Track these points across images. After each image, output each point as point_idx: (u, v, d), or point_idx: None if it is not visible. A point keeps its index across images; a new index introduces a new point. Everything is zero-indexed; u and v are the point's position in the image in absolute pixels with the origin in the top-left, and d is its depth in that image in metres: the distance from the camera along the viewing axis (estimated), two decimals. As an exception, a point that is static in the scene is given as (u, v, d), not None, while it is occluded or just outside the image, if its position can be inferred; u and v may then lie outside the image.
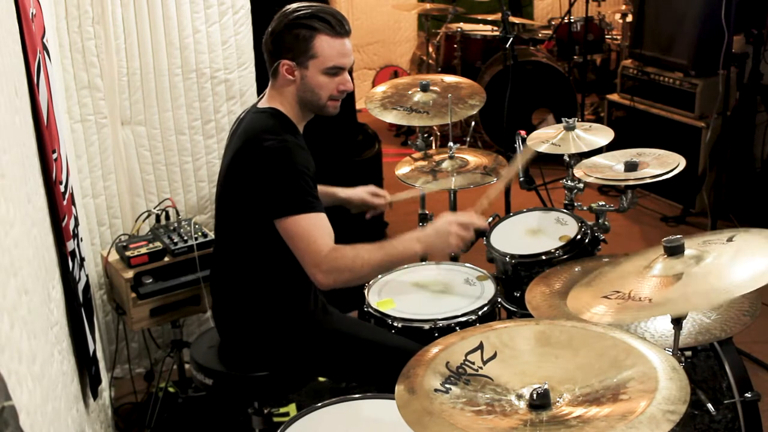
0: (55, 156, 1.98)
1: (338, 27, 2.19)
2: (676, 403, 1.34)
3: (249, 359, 2.33)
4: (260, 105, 2.30)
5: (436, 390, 1.44)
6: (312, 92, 2.22)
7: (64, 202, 2.06)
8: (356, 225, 2.76)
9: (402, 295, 2.59)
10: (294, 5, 2.23)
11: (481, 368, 1.50)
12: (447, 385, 1.45)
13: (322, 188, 2.51)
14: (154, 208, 3.01)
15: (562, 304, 2.20)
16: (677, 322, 1.76)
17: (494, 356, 1.53)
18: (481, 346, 1.55)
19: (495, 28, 6.10)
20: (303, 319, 2.33)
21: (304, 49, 2.18)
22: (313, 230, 2.10)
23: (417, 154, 3.15)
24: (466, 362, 1.52)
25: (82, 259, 2.36)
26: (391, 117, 3.09)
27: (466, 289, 2.61)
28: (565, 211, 2.90)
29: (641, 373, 1.43)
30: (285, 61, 2.20)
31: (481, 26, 6.22)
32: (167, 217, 2.98)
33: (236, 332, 2.36)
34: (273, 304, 2.30)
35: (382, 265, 2.20)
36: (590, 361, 1.50)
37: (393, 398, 1.49)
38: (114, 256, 2.83)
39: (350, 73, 2.34)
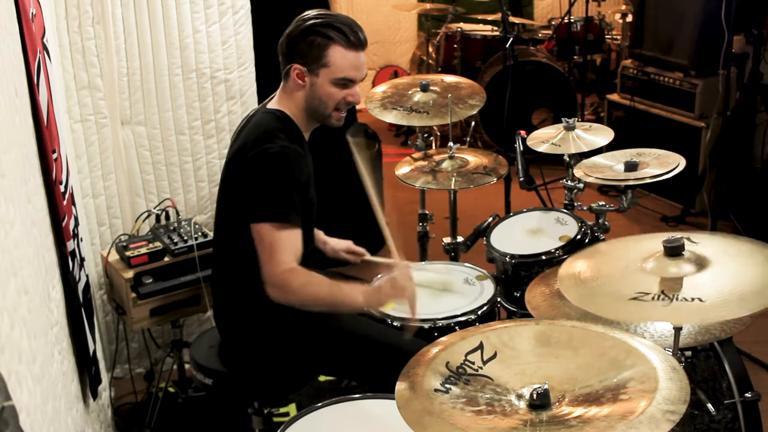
0: (55, 156, 1.98)
1: (353, 38, 2.20)
2: (676, 403, 1.34)
3: (249, 359, 2.33)
4: (270, 106, 2.31)
5: (436, 390, 1.44)
6: (319, 100, 2.23)
7: (64, 202, 2.06)
8: (355, 224, 2.76)
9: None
10: (313, 12, 2.24)
11: (481, 368, 1.50)
12: (447, 385, 1.45)
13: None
14: (154, 208, 3.01)
15: (563, 304, 2.20)
16: (677, 322, 1.76)
17: (494, 356, 1.53)
18: (481, 346, 1.55)
19: (495, 28, 6.09)
20: (302, 317, 2.33)
21: (316, 56, 2.19)
22: (277, 242, 2.10)
23: (417, 154, 3.15)
24: (466, 362, 1.52)
25: (82, 259, 2.36)
26: (391, 117, 3.09)
27: (466, 288, 2.61)
28: (565, 211, 2.90)
29: (641, 373, 1.43)
30: (297, 65, 2.21)
31: (481, 26, 6.21)
32: (167, 217, 2.97)
33: (236, 332, 2.36)
34: (271, 304, 2.30)
35: (326, 303, 2.17)
36: (590, 361, 1.50)
37: (393, 398, 1.48)
38: (114, 256, 2.83)
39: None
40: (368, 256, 2.62)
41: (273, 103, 2.30)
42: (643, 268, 1.72)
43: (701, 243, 1.76)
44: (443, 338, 1.63)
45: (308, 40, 2.19)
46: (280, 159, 2.13)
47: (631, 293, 1.64)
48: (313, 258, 2.37)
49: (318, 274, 2.15)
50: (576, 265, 1.84)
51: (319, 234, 2.61)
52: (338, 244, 2.60)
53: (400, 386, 1.47)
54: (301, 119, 2.27)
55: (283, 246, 2.11)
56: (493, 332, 1.61)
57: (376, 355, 2.28)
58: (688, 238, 1.76)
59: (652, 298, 1.60)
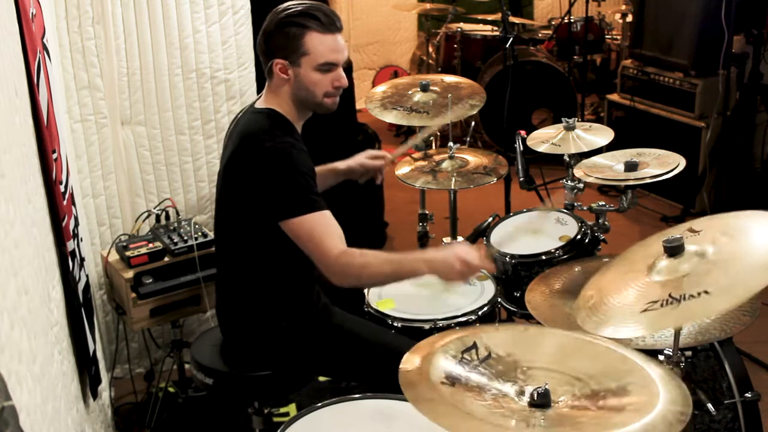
0: (55, 156, 1.98)
1: (328, 23, 2.19)
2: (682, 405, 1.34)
3: (251, 358, 2.33)
4: (257, 105, 2.30)
5: (442, 383, 1.44)
6: (306, 90, 2.22)
7: (64, 202, 2.06)
8: (355, 224, 2.75)
9: (402, 295, 2.58)
10: (285, 4, 2.23)
11: (478, 366, 1.50)
12: (452, 378, 1.45)
13: (321, 168, 2.50)
14: (154, 208, 3.01)
15: (562, 303, 2.20)
16: (677, 322, 1.76)
17: (488, 356, 1.53)
18: (474, 346, 1.55)
19: (495, 28, 6.09)
20: (305, 317, 2.34)
21: (295, 47, 2.18)
22: (318, 230, 2.10)
23: (417, 154, 3.15)
24: (464, 359, 1.52)
25: (82, 259, 2.36)
26: (391, 117, 3.08)
27: (466, 289, 2.61)
28: (565, 211, 2.90)
29: (640, 382, 1.44)
30: (278, 60, 2.20)
31: (481, 26, 6.21)
32: (167, 217, 2.97)
33: (239, 330, 2.36)
34: (275, 303, 2.30)
35: (389, 280, 2.24)
36: (587, 366, 1.50)
37: (393, 398, 1.48)
38: (114, 256, 2.83)
39: (350, 73, 2.34)
40: (390, 154, 2.66)
41: (261, 103, 2.30)
42: (648, 277, 1.70)
43: (703, 232, 1.74)
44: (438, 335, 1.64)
45: (284, 32, 2.18)
46: (282, 153, 2.13)
47: (641, 306, 1.62)
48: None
49: (373, 251, 2.13)
50: (585, 296, 1.82)
51: (337, 165, 2.62)
52: (359, 158, 2.63)
53: (406, 374, 1.46)
54: (291, 113, 2.27)
55: (323, 233, 2.10)
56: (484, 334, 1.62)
57: (377, 356, 2.27)
58: (691, 228, 1.74)
59: (661, 305, 1.58)
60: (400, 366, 1.49)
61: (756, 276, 1.49)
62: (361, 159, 2.63)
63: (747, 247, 1.61)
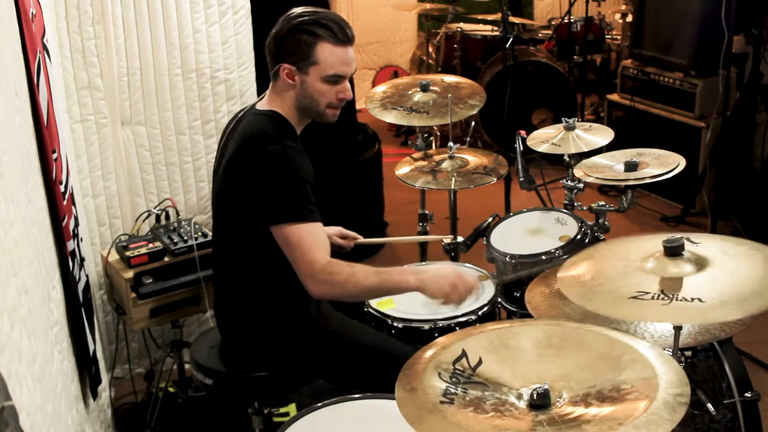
0: (55, 156, 1.98)
1: (341, 35, 2.18)
2: (680, 385, 1.35)
3: (249, 359, 2.33)
4: (260, 107, 2.30)
5: (442, 402, 1.43)
6: (311, 98, 2.22)
7: (64, 202, 2.06)
8: (355, 225, 2.75)
9: (402, 295, 2.58)
10: (299, 9, 2.22)
11: (472, 375, 1.50)
12: (449, 396, 1.44)
13: None
14: (154, 208, 3.01)
15: (562, 303, 2.20)
16: (677, 322, 1.76)
17: (480, 363, 1.53)
18: (464, 354, 1.54)
19: (495, 28, 6.09)
20: (304, 320, 2.33)
21: (305, 54, 2.18)
22: (306, 240, 2.09)
23: (417, 154, 3.15)
24: (457, 371, 1.51)
25: (82, 259, 2.36)
26: (391, 117, 3.09)
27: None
28: (565, 211, 2.90)
29: (636, 364, 1.45)
30: (286, 65, 2.20)
31: (481, 26, 6.21)
32: (167, 217, 2.98)
33: (237, 332, 2.36)
34: (274, 305, 2.30)
35: (375, 292, 2.21)
36: (583, 360, 1.50)
37: (392, 398, 1.48)
38: (114, 256, 2.83)
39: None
40: (361, 239, 2.65)
41: (263, 104, 2.29)
42: (643, 268, 1.71)
43: (701, 243, 1.76)
44: (438, 340, 1.63)
45: (296, 38, 2.17)
46: (285, 158, 2.13)
47: (630, 292, 1.63)
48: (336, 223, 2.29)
49: (358, 264, 2.13)
50: (576, 266, 1.84)
51: None
52: (329, 230, 2.59)
53: (403, 399, 1.45)
54: (293, 118, 2.26)
55: (311, 243, 2.09)
56: (482, 334, 1.61)
57: (375, 362, 2.27)
58: (688, 239, 1.76)
59: (652, 297, 1.60)
60: (397, 396, 1.46)
61: (747, 303, 1.53)
62: (332, 236, 2.58)
63: (745, 273, 1.64)
